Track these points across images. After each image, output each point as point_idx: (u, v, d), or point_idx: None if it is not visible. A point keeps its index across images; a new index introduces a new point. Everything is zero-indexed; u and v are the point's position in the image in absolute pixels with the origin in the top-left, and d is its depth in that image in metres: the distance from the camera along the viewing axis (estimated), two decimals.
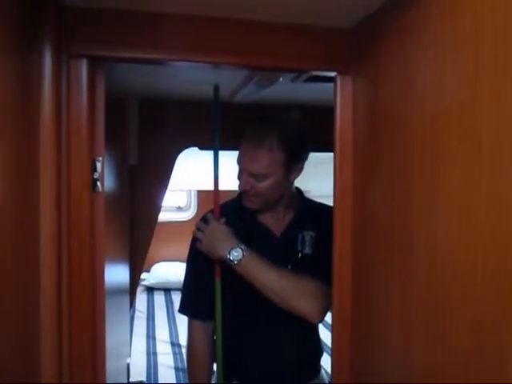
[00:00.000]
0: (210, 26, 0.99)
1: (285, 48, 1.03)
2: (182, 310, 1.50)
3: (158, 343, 3.88)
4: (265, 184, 1.30)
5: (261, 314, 1.37)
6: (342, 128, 1.08)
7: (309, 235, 1.38)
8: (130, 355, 2.14)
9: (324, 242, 1.19)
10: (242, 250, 1.29)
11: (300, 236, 1.39)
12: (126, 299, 1.89)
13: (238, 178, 1.36)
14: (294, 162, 1.33)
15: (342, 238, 1.09)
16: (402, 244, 0.85)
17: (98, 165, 0.99)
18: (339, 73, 1.07)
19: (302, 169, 1.38)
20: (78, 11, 0.93)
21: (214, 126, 1.45)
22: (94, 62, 0.98)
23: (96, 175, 0.98)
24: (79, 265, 0.97)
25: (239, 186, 1.36)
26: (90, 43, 0.95)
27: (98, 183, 0.99)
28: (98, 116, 1.00)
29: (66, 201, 0.94)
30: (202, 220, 1.42)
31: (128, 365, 1.93)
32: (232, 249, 1.29)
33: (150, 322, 4.40)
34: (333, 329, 1.11)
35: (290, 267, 1.35)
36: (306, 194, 1.54)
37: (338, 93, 1.08)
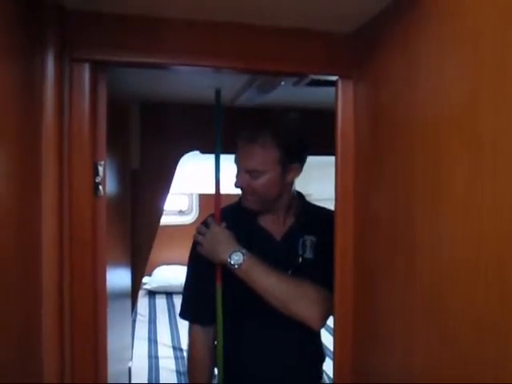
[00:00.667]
0: (212, 31, 0.99)
1: (287, 52, 1.03)
2: (182, 315, 1.50)
3: (159, 347, 3.88)
4: (260, 181, 1.31)
5: (262, 318, 1.37)
6: (343, 131, 1.08)
7: (309, 240, 1.38)
8: (131, 359, 2.13)
9: (325, 247, 1.19)
10: (243, 253, 1.29)
11: (301, 240, 1.39)
12: (128, 303, 1.89)
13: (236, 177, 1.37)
14: (291, 162, 1.33)
15: (344, 241, 1.09)
16: (404, 247, 0.85)
17: (100, 169, 0.99)
18: (341, 77, 1.08)
19: (300, 169, 1.37)
20: (80, 15, 0.93)
21: (216, 130, 1.46)
22: (97, 67, 0.98)
23: (98, 179, 0.99)
24: (81, 268, 0.97)
25: (235, 184, 1.36)
26: (92, 47, 0.95)
27: (100, 187, 0.99)
28: (100, 120, 1.00)
29: (67, 205, 0.94)
30: (203, 224, 1.42)
31: (130, 368, 1.93)
32: (233, 253, 1.29)
33: (152, 326, 4.40)
34: (335, 332, 1.11)
35: (290, 272, 1.35)
36: (308, 198, 1.54)
37: (340, 96, 1.08)
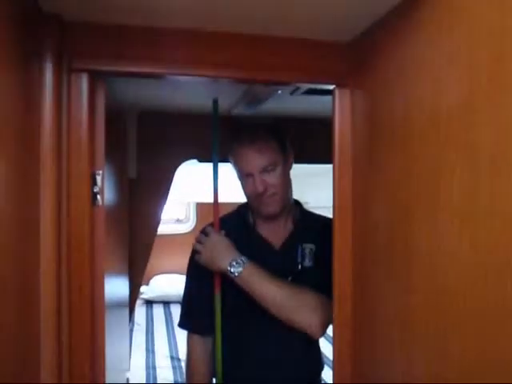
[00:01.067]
0: (210, 41, 1.00)
1: (283, 61, 1.04)
2: (181, 325, 1.49)
3: (157, 357, 3.85)
4: (276, 174, 1.33)
5: (261, 326, 1.37)
6: (340, 140, 1.09)
7: (309, 248, 1.38)
8: (129, 369, 2.12)
9: (324, 255, 1.19)
10: (243, 262, 1.29)
11: (300, 249, 1.39)
12: (126, 313, 1.88)
13: (244, 188, 1.37)
14: (285, 146, 1.38)
15: (342, 250, 1.09)
16: (402, 255, 0.85)
17: (98, 178, 0.99)
18: (337, 85, 1.08)
19: (292, 152, 1.42)
20: (78, 26, 0.94)
21: (213, 139, 1.46)
22: (95, 77, 0.98)
23: (96, 189, 0.99)
24: (79, 278, 0.96)
25: (257, 190, 1.33)
26: (90, 58, 0.96)
27: (98, 197, 0.99)
28: (98, 130, 1.00)
29: (66, 214, 0.94)
30: (202, 232, 1.41)
31: (127, 379, 1.92)
32: (233, 261, 1.29)
33: (149, 336, 4.37)
34: (334, 341, 1.11)
35: (289, 280, 1.35)
36: (305, 206, 1.55)
37: (337, 105, 1.09)
